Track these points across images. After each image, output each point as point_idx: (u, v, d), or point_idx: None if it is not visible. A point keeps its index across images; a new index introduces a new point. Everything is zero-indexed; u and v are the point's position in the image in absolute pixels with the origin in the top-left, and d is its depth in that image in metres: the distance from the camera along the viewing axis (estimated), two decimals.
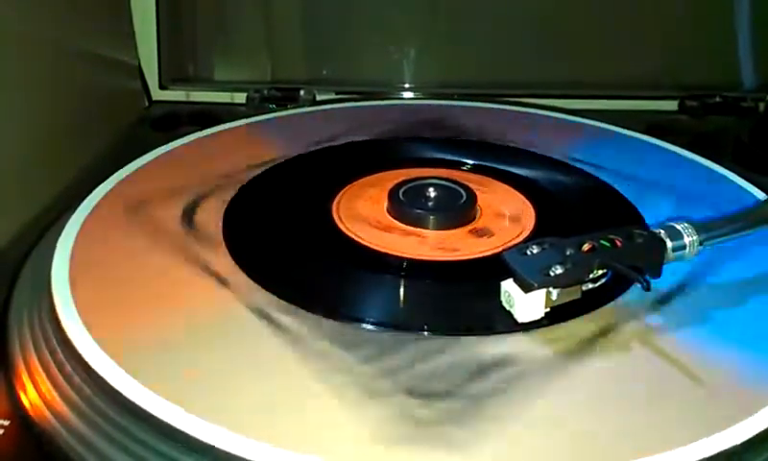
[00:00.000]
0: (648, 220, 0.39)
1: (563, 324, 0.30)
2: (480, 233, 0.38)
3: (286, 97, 0.60)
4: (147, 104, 0.62)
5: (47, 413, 0.28)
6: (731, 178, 0.44)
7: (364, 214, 0.39)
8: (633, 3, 0.60)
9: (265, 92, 0.61)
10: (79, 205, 0.39)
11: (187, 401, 0.26)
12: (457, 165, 0.46)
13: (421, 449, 0.24)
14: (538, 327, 0.30)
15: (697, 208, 0.38)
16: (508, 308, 0.31)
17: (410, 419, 0.26)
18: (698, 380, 0.28)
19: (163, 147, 0.46)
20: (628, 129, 0.51)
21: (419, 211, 0.39)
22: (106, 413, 0.26)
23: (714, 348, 0.29)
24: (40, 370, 0.29)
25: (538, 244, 0.31)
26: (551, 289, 0.30)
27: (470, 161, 0.46)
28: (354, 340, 0.30)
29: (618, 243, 0.31)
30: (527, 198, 0.41)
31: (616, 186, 0.42)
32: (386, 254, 0.36)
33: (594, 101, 0.60)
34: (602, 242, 0.31)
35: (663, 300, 0.32)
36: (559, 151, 0.47)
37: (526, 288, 0.30)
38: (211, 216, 0.39)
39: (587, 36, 0.61)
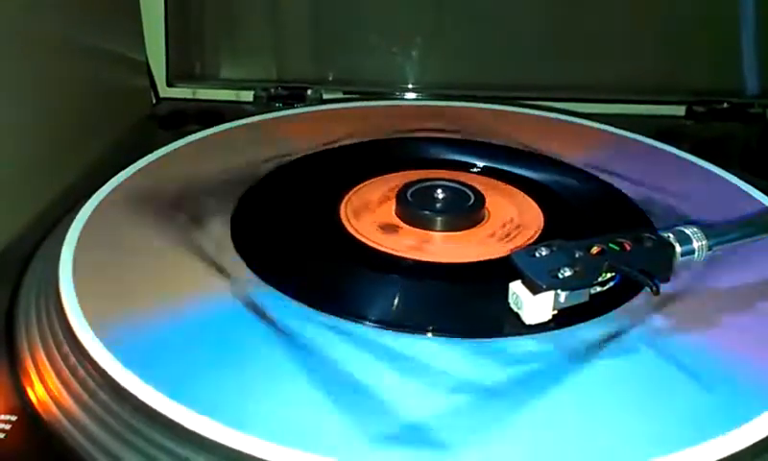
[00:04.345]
0: (657, 225, 0.39)
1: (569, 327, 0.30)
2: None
3: (293, 96, 0.60)
4: (154, 101, 0.63)
5: (54, 409, 0.28)
6: (738, 184, 0.43)
7: (371, 215, 0.40)
8: (640, 7, 0.60)
9: (272, 91, 0.61)
10: (86, 201, 0.39)
11: (192, 398, 0.26)
12: (466, 167, 0.46)
13: None
14: (545, 330, 0.30)
15: (705, 214, 0.38)
16: (515, 310, 0.31)
17: None
18: (702, 384, 0.28)
19: (172, 144, 0.46)
20: (635, 133, 0.51)
21: (426, 213, 0.39)
22: (112, 409, 0.26)
23: (719, 351, 0.29)
24: (48, 365, 0.29)
25: (546, 246, 0.31)
26: (559, 291, 0.30)
27: (480, 163, 0.46)
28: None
29: (627, 246, 0.31)
30: (535, 201, 0.41)
31: (625, 191, 0.42)
32: (391, 255, 0.36)
33: (601, 105, 0.60)
34: (611, 245, 0.31)
35: (669, 303, 0.32)
36: (568, 155, 0.47)
37: (534, 290, 0.30)
38: (220, 214, 0.39)
39: (593, 40, 0.60)
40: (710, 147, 0.52)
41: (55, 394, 0.28)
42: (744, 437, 0.25)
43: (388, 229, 0.38)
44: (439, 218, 0.38)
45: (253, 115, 0.53)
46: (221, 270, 0.34)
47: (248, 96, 0.62)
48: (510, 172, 0.45)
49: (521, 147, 0.48)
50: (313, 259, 0.36)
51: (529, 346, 0.29)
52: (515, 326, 0.30)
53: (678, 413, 0.26)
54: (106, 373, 0.27)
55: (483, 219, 0.39)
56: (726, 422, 0.26)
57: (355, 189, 0.42)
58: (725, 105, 0.59)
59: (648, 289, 0.30)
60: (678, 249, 0.32)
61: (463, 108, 0.56)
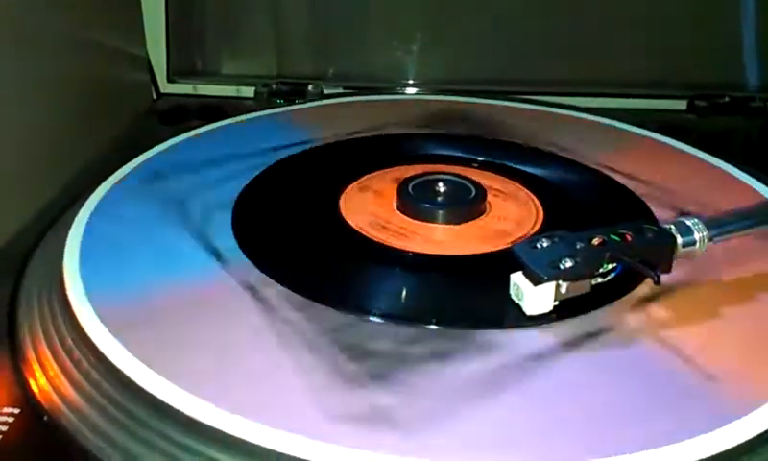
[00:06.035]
0: (658, 217, 0.39)
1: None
2: None
3: (294, 92, 0.60)
4: (155, 96, 0.63)
5: (57, 401, 0.28)
6: (740, 176, 0.43)
7: (371, 208, 0.40)
8: (642, 2, 0.60)
9: (273, 87, 0.61)
10: (88, 192, 0.39)
11: (194, 385, 0.26)
12: (467, 162, 0.46)
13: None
14: (547, 321, 0.30)
15: (706, 206, 0.38)
16: (517, 301, 0.31)
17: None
18: (704, 376, 0.28)
19: (172, 139, 0.47)
20: (638, 127, 0.51)
21: (428, 206, 0.39)
22: (115, 399, 0.27)
23: (719, 343, 0.29)
24: (50, 357, 0.29)
25: (548, 237, 0.31)
26: (560, 282, 0.30)
27: (480, 158, 0.46)
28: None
29: (629, 238, 0.31)
30: (535, 195, 0.41)
31: (626, 184, 0.42)
32: (391, 248, 0.36)
33: (602, 99, 0.60)
34: (612, 236, 0.31)
35: (670, 294, 0.32)
36: (569, 149, 0.47)
37: (535, 281, 0.30)
38: (222, 204, 0.39)
39: (595, 34, 0.60)
40: (712, 140, 0.52)
41: (57, 386, 0.28)
42: (743, 432, 0.25)
43: (388, 222, 0.38)
44: (440, 211, 0.38)
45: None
46: (222, 258, 0.34)
47: (248, 92, 0.62)
48: (510, 166, 0.45)
49: (521, 142, 0.48)
50: (312, 252, 0.36)
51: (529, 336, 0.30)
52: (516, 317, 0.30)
53: (676, 407, 0.26)
54: (109, 363, 0.27)
55: (484, 212, 0.39)
56: (724, 417, 0.26)
57: (355, 183, 0.42)
58: (726, 99, 0.59)
59: (650, 280, 0.30)
60: (679, 240, 0.32)
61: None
